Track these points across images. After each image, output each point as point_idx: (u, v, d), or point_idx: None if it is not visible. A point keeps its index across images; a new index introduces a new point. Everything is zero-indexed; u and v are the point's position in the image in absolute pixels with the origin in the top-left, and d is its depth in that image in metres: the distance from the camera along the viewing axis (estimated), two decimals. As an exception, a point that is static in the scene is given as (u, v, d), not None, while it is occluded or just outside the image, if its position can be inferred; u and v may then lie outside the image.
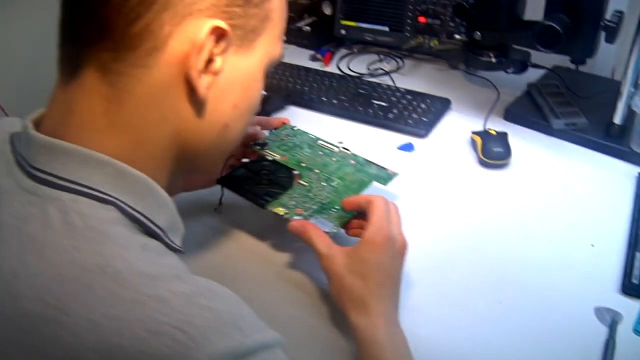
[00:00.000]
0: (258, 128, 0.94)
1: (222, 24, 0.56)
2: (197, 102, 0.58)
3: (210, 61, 0.56)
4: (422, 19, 1.40)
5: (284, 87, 1.33)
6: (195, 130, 0.60)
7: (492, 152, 1.04)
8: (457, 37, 1.24)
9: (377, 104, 1.23)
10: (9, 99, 1.29)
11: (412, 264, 0.83)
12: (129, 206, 0.54)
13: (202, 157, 0.66)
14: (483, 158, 1.05)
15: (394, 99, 1.24)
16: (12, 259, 0.49)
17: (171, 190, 0.93)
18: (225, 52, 0.58)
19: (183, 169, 0.65)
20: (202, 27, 0.54)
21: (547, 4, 1.04)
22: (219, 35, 0.56)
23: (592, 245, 0.88)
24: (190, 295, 0.48)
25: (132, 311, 0.45)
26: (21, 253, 0.49)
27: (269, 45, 0.63)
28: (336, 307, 0.74)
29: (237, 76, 0.61)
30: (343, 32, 1.52)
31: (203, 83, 0.57)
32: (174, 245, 0.59)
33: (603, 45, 1.08)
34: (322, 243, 0.75)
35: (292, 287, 0.83)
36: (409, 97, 1.25)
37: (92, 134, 0.55)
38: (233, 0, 0.56)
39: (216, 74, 0.57)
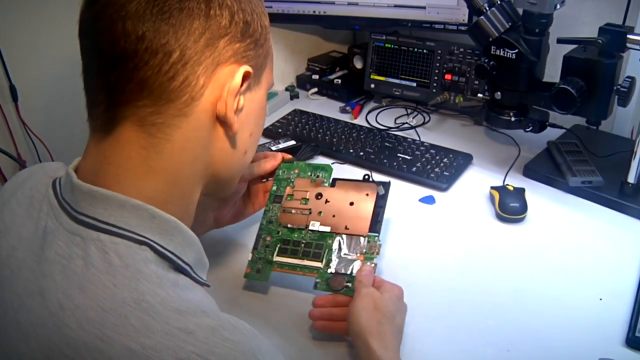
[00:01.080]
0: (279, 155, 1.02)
1: (249, 68, 0.64)
2: (229, 137, 0.67)
3: (237, 101, 0.64)
4: (448, 76, 1.47)
5: (313, 138, 1.40)
6: (224, 161, 0.68)
7: (509, 206, 1.09)
8: (480, 95, 1.29)
9: (401, 157, 1.29)
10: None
11: (426, 310, 0.88)
12: (160, 246, 0.60)
13: (226, 183, 0.74)
14: (500, 212, 1.09)
15: (417, 152, 1.30)
16: (58, 292, 0.55)
17: (202, 228, 1.01)
18: (247, 91, 0.66)
19: (206, 194, 0.71)
20: (236, 74, 0.63)
21: (563, 68, 1.09)
22: (245, 77, 0.64)
23: (600, 299, 0.91)
24: (214, 328, 0.54)
25: (163, 341, 0.51)
26: (66, 287, 0.55)
27: (269, 76, 0.72)
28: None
29: (252, 108, 0.69)
30: (372, 85, 1.59)
31: (234, 120, 0.64)
32: (200, 280, 0.65)
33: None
34: None
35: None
36: (432, 151, 1.31)
37: (131, 181, 0.61)
38: (247, 45, 0.64)
39: (241, 110, 0.66)
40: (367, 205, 0.92)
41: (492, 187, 1.15)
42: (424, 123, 1.49)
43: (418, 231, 1.09)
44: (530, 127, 1.19)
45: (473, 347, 0.85)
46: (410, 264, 1.01)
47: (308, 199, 0.96)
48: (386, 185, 0.95)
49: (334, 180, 0.98)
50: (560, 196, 1.17)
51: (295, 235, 0.93)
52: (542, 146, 1.31)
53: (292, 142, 1.36)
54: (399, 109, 1.57)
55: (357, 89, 1.63)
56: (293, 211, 0.95)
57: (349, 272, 0.87)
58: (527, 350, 0.84)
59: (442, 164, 1.25)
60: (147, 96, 0.59)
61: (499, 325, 0.88)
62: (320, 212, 0.94)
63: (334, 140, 1.38)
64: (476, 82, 1.42)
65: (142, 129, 0.60)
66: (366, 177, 0.97)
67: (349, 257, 0.88)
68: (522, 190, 1.13)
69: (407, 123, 1.47)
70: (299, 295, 0.94)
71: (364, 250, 0.88)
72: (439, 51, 1.47)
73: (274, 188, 1.00)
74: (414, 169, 1.25)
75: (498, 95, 1.17)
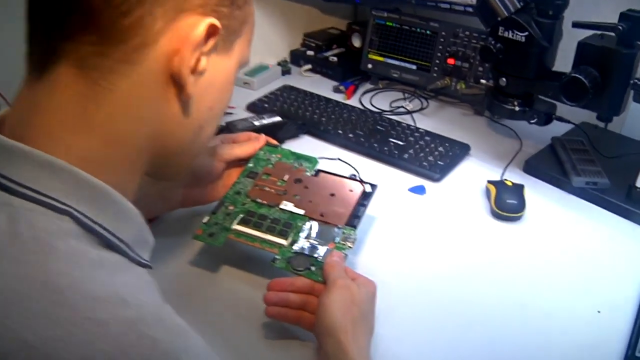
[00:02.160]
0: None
1: (217, 22, 0.54)
2: (181, 102, 0.56)
3: (197, 60, 0.54)
4: (450, 61, 1.37)
5: (301, 115, 1.30)
6: (173, 131, 0.58)
7: (505, 203, 1.00)
8: (483, 81, 1.19)
9: (393, 142, 1.19)
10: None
11: (404, 313, 0.80)
12: (87, 217, 0.50)
13: (174, 161, 0.63)
14: (495, 209, 1.00)
15: (411, 138, 1.21)
16: None
17: (166, 204, 0.92)
18: (211, 52, 0.56)
19: (152, 174, 0.62)
20: (199, 24, 0.53)
21: (577, 55, 0.99)
22: (210, 33, 0.54)
23: (598, 312, 0.82)
24: (132, 321, 0.44)
25: (68, 333, 0.41)
26: None
27: (243, 49, 0.62)
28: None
29: (215, 77, 0.59)
30: (369, 65, 1.49)
31: (189, 82, 0.54)
32: (139, 259, 0.55)
33: (634, 105, 1.03)
34: None
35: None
36: (427, 138, 1.21)
37: (62, 134, 0.51)
38: (222, 0, 0.55)
39: (201, 73, 0.55)
40: (348, 199, 0.85)
41: (489, 181, 1.06)
42: (421, 109, 1.39)
43: (404, 223, 0.99)
44: (535, 119, 1.09)
45: (455, 357, 0.75)
46: (392, 258, 0.92)
47: (285, 181, 0.87)
48: (373, 187, 0.88)
49: (318, 171, 0.91)
50: (562, 196, 1.08)
51: (263, 211, 0.84)
52: (546, 142, 1.21)
53: (277, 118, 1.26)
54: (395, 93, 1.47)
55: (353, 69, 1.54)
56: (267, 188, 0.87)
57: (314, 256, 0.78)
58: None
59: (436, 153, 1.16)
60: (93, 31, 0.50)
61: (484, 336, 0.79)
62: (296, 195, 0.85)
63: (323, 119, 1.28)
64: (480, 68, 1.32)
65: (82, 72, 0.51)
66: (353, 176, 0.91)
67: (318, 243, 0.80)
68: (521, 187, 1.04)
69: (403, 107, 1.37)
70: (254, 279, 0.85)
71: (337, 240, 0.80)
72: (443, 33, 1.37)
73: (250, 164, 0.91)
74: (406, 155, 1.15)
75: (503, 81, 1.08)
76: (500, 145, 1.24)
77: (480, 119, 1.36)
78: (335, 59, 1.56)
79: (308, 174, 0.89)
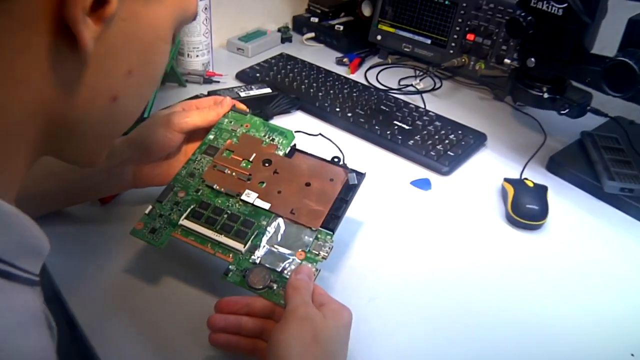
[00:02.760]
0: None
1: None
2: (75, 60, 0.40)
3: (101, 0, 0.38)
4: (470, 36, 1.20)
5: (295, 88, 1.14)
6: (71, 102, 0.42)
7: (524, 208, 0.83)
8: (507, 61, 1.02)
9: (398, 125, 1.03)
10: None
11: (395, 331, 0.66)
12: None
13: (81, 143, 0.47)
14: (512, 214, 0.84)
15: (419, 122, 1.04)
16: None
17: (113, 186, 0.76)
18: None
19: (58, 157, 0.48)
20: None
21: (626, 36, 0.82)
22: None
23: (632, 355, 0.66)
24: None
25: None
26: None
27: None
28: None
29: (136, 29, 0.43)
30: (379, 37, 1.32)
31: (88, 30, 0.38)
32: (17, 273, 0.39)
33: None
34: None
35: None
36: (437, 123, 1.04)
37: None
38: None
39: (107, 20, 0.39)
40: (328, 191, 0.68)
41: (506, 180, 0.90)
42: (433, 89, 1.22)
43: (402, 223, 0.84)
44: (567, 110, 0.92)
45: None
46: (385, 266, 0.76)
47: (251, 162, 0.71)
48: (360, 177, 0.70)
49: (293, 149, 0.73)
50: (591, 203, 0.92)
51: (220, 201, 0.67)
52: (573, 136, 1.04)
53: (267, 90, 1.10)
54: (405, 69, 1.31)
55: (360, 40, 1.37)
56: (227, 171, 0.70)
57: (278, 270, 0.61)
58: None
59: (446, 141, 0.99)
60: None
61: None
62: (263, 182, 0.69)
63: (320, 94, 1.12)
64: (504, 47, 1.15)
65: None
66: (336, 159, 0.72)
67: (284, 252, 0.63)
68: (544, 188, 0.88)
69: (412, 85, 1.20)
70: (199, 294, 0.69)
71: (308, 248, 0.63)
72: (464, 4, 1.20)
73: (211, 137, 0.75)
74: (411, 142, 0.98)
75: (531, 62, 0.91)
76: (520, 136, 1.07)
77: (500, 105, 1.19)
78: (341, 27, 1.40)
79: (280, 152, 0.72)
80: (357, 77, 1.25)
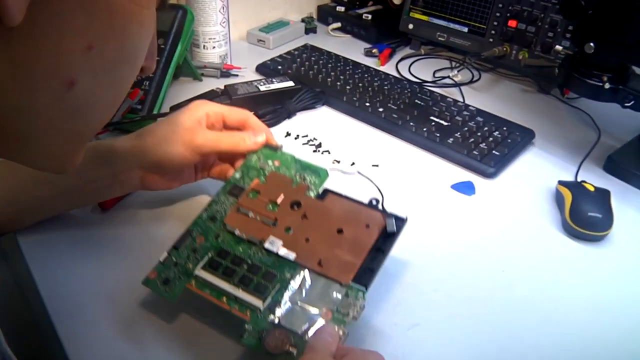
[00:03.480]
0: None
1: None
2: (9, 35, 0.31)
3: None
4: (512, 23, 1.08)
5: (321, 82, 1.03)
6: (6, 89, 0.32)
7: (586, 216, 0.72)
8: (559, 47, 0.91)
9: (435, 121, 0.92)
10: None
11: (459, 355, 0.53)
12: None
13: (35, 142, 0.38)
14: (570, 223, 0.72)
15: (458, 118, 0.93)
16: None
17: (118, 189, 0.67)
18: None
19: (9, 159, 0.39)
20: None
21: None
22: None
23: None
24: None
25: None
26: None
27: None
28: None
29: None
30: (410, 26, 1.22)
31: None
32: None
33: None
34: None
35: None
36: (479, 118, 0.93)
37: None
38: None
39: None
40: (362, 240, 0.57)
41: (561, 182, 0.79)
42: (472, 81, 1.11)
43: (444, 233, 0.73)
44: (632, 102, 0.81)
45: None
46: (425, 284, 0.66)
47: (278, 205, 0.61)
48: (400, 222, 0.59)
49: (326, 191, 0.63)
50: (661, 209, 0.80)
51: (241, 249, 0.58)
52: (632, 133, 0.93)
53: (290, 83, 1.00)
54: (441, 60, 1.20)
55: (390, 30, 1.27)
56: (251, 214, 0.60)
57: (299, 332, 0.51)
58: None
59: (490, 139, 0.88)
60: None
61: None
62: (290, 228, 0.59)
63: (347, 87, 1.01)
64: (550, 33, 1.04)
65: None
66: (374, 201, 0.62)
67: (309, 309, 0.53)
68: (607, 193, 0.76)
69: (449, 77, 1.09)
70: (212, 347, 0.57)
71: (336, 307, 0.53)
72: (506, -13, 1.09)
73: (237, 176, 0.66)
74: (451, 139, 0.88)
75: (590, 47, 0.79)
76: (571, 133, 0.96)
77: (546, 98, 1.08)
78: (369, 17, 1.30)
79: (312, 194, 0.63)
80: (388, 69, 1.15)
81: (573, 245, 0.72)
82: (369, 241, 0.57)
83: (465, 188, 0.81)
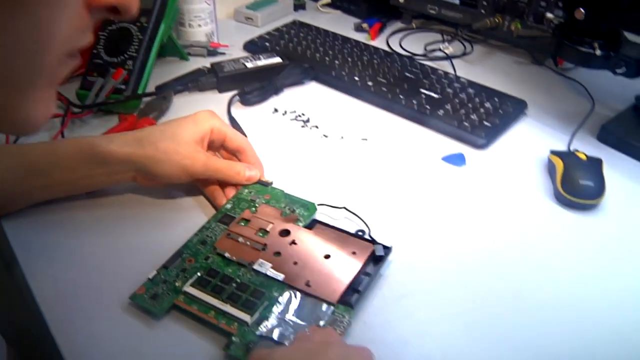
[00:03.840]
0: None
1: None
2: None
3: None
4: (504, -7, 1.06)
5: (309, 57, 1.02)
6: None
7: (578, 185, 0.71)
8: (549, 15, 0.89)
9: (425, 94, 0.91)
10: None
11: (449, 325, 0.54)
12: None
13: None
14: (562, 192, 0.71)
15: (449, 90, 0.91)
16: None
17: (116, 183, 0.67)
18: None
19: None
20: None
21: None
22: None
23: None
24: None
25: None
26: None
27: None
28: None
29: None
30: (401, 0, 1.19)
31: None
32: None
33: None
34: None
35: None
36: (470, 90, 0.92)
37: None
38: None
39: None
40: (349, 264, 0.59)
41: (553, 152, 0.77)
42: (464, 54, 1.09)
43: (435, 205, 0.72)
44: (623, 68, 0.79)
45: None
46: (415, 256, 0.64)
47: (268, 232, 0.63)
48: (386, 250, 0.61)
49: (314, 221, 0.66)
50: (655, 177, 0.78)
51: (230, 270, 0.59)
52: (626, 102, 0.91)
53: (277, 60, 0.98)
54: (432, 34, 1.17)
55: (381, 4, 1.24)
56: (241, 239, 0.62)
57: (287, 344, 0.51)
58: None
59: (482, 110, 0.86)
60: None
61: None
62: (279, 253, 0.60)
63: (336, 62, 1.00)
64: (542, 2, 1.01)
65: None
66: (360, 232, 0.64)
67: (296, 325, 0.54)
68: (599, 162, 0.75)
69: (440, 50, 1.07)
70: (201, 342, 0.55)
71: (323, 324, 0.54)
72: (497, -44, 1.06)
73: (228, 206, 0.68)
74: (441, 111, 0.86)
75: (581, 13, 0.77)
76: (565, 103, 0.94)
77: (540, 69, 1.06)
78: (359, -10, 1.27)
79: (300, 224, 0.65)
80: (378, 43, 1.13)
81: (565, 214, 0.71)
82: (356, 266, 0.59)
83: (456, 159, 0.79)
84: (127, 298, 0.57)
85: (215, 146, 0.72)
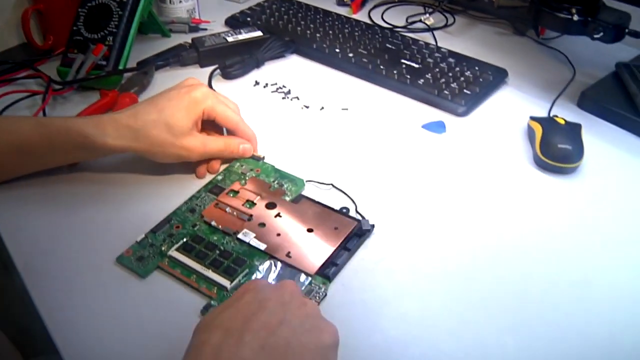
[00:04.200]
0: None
1: None
2: None
3: None
4: (485, -36, 1.06)
5: (290, 31, 1.01)
6: None
7: (556, 148, 0.71)
8: (528, -16, 0.89)
9: (406, 64, 0.91)
10: None
11: (427, 284, 0.56)
12: None
13: None
14: (541, 156, 0.72)
15: (430, 60, 0.91)
16: None
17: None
18: None
19: None
20: None
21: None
22: None
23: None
24: None
25: None
26: None
27: None
28: None
29: None
30: (383, -27, 1.19)
31: None
32: None
33: None
34: None
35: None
36: (451, 59, 0.92)
37: None
38: None
39: None
40: (330, 239, 0.60)
41: (532, 118, 0.77)
42: (445, 26, 1.09)
43: (415, 172, 0.72)
44: (601, 33, 0.79)
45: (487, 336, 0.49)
46: (395, 220, 0.65)
47: (255, 204, 0.65)
48: (368, 228, 0.62)
49: (301, 196, 0.67)
50: (632, 142, 0.79)
51: (215, 238, 0.61)
52: (606, 69, 0.91)
53: (258, 33, 0.98)
54: (414, 7, 1.17)
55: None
56: (228, 209, 0.64)
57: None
58: None
59: (462, 79, 0.87)
60: None
61: (516, 315, 0.52)
62: (264, 224, 0.62)
63: (317, 35, 0.99)
64: (524, -27, 1.02)
65: None
66: (344, 209, 0.65)
67: None
68: (578, 126, 0.75)
69: (421, 21, 1.07)
70: (166, 330, 0.54)
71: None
72: None
73: (219, 178, 0.71)
74: (421, 81, 0.86)
75: (558, -22, 0.78)
76: (547, 72, 0.94)
77: (522, 39, 1.06)
78: (341, -36, 1.26)
79: (287, 198, 0.66)
80: (360, 17, 1.12)
81: (544, 178, 0.72)
82: (336, 241, 0.60)
83: (436, 127, 0.80)
84: (114, 260, 0.59)
85: (208, 122, 0.72)
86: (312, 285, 0.56)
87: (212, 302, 0.54)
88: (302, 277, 0.56)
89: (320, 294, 0.55)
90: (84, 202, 0.68)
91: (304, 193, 0.67)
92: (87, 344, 0.52)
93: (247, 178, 0.69)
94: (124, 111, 0.67)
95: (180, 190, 0.68)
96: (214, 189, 0.68)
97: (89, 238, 0.63)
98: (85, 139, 0.64)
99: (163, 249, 0.60)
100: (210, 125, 0.72)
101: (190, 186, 0.69)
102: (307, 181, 0.69)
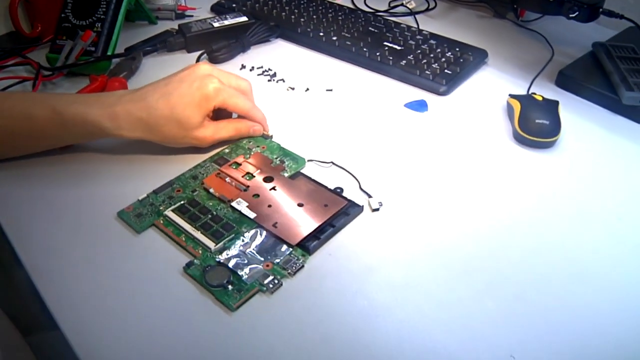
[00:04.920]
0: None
1: None
2: None
3: None
4: (465, -52, 1.08)
5: (275, 16, 1.03)
6: None
7: (534, 124, 0.74)
8: (506, -35, 0.91)
9: (388, 46, 0.93)
10: None
11: (411, 256, 0.58)
12: None
13: None
14: (519, 131, 0.74)
15: (412, 42, 0.94)
16: None
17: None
18: None
19: None
20: None
21: None
22: None
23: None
24: None
25: None
26: None
27: None
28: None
29: None
30: (366, -41, 1.21)
31: None
32: None
33: None
34: None
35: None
36: (432, 41, 0.94)
37: None
38: None
39: None
40: (317, 214, 0.63)
41: (511, 95, 0.80)
42: (427, 9, 1.12)
43: (398, 149, 0.74)
44: (577, 12, 0.82)
45: (467, 314, 0.51)
46: (379, 196, 0.66)
47: (254, 176, 0.69)
48: (356, 208, 0.64)
49: (298, 173, 0.70)
50: (608, 118, 0.82)
51: (210, 204, 0.65)
52: (583, 49, 0.94)
53: (244, 19, 1.00)
54: (398, -8, 1.19)
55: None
56: (228, 179, 0.68)
57: (239, 273, 0.56)
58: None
59: (443, 59, 0.89)
60: None
61: (507, 289, 0.54)
62: (257, 195, 0.65)
63: (302, 20, 1.01)
64: (503, -43, 1.04)
65: None
66: (338, 189, 0.67)
67: (253, 259, 0.58)
68: (555, 103, 0.78)
69: (403, 5, 1.09)
70: (150, 288, 0.58)
71: (278, 261, 0.58)
72: None
73: (227, 150, 0.74)
74: (404, 62, 0.88)
75: (535, -41, 0.80)
76: (526, 53, 0.97)
77: (502, 22, 1.08)
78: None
79: (285, 174, 0.69)
80: (343, 1, 1.14)
81: (523, 153, 0.74)
82: (323, 217, 0.62)
83: (418, 106, 0.82)
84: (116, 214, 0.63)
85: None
86: (291, 255, 0.58)
87: (195, 260, 0.57)
88: (284, 247, 0.59)
89: (297, 265, 0.57)
90: (93, 165, 0.71)
91: (304, 171, 0.70)
92: (77, 299, 0.54)
93: (251, 153, 0.72)
94: (134, 99, 0.67)
95: (189, 159, 0.71)
96: (219, 159, 0.71)
97: (93, 193, 0.67)
98: (101, 131, 0.67)
99: (161, 208, 0.63)
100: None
101: (199, 156, 0.72)
102: (308, 160, 0.71)
